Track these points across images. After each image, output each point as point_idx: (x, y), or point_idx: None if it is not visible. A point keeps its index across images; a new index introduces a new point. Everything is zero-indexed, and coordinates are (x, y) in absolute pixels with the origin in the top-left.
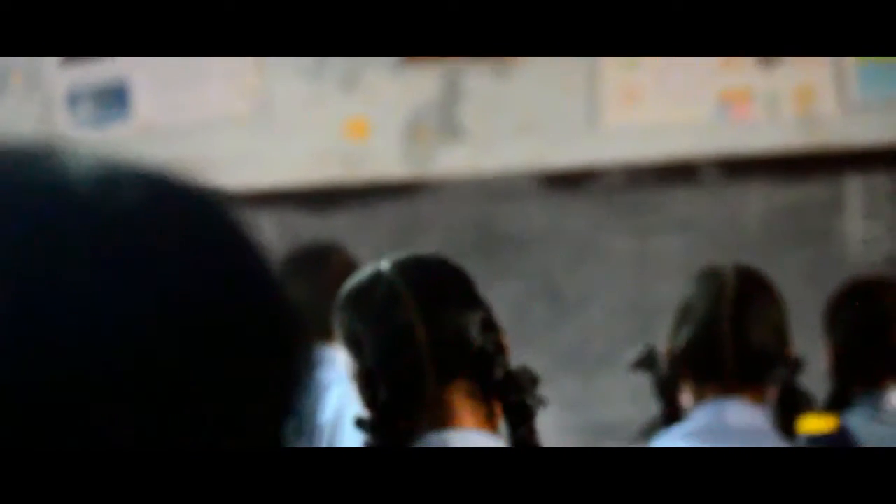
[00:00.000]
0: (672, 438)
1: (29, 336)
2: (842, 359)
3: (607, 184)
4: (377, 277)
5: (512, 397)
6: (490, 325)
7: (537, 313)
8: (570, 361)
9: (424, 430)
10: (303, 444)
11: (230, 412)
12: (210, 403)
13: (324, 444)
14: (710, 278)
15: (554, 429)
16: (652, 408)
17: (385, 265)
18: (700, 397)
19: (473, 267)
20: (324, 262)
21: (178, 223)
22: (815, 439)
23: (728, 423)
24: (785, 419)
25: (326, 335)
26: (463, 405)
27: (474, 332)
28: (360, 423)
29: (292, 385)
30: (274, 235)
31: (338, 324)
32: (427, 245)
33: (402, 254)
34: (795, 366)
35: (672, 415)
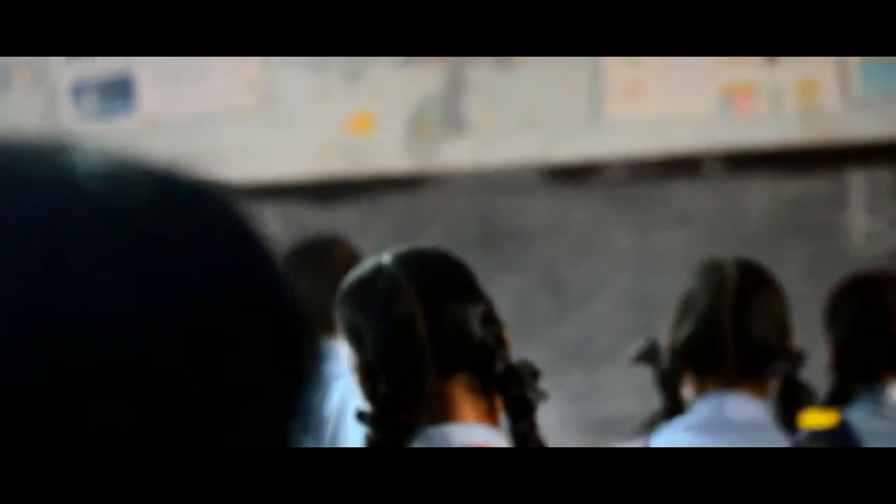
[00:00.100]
0: (673, 431)
1: (35, 334)
2: (843, 353)
3: (610, 178)
4: (378, 270)
5: (513, 391)
6: (491, 319)
7: (540, 307)
8: (572, 355)
9: (425, 424)
10: (308, 438)
11: (236, 410)
12: (216, 401)
13: (328, 437)
14: (712, 272)
15: (557, 422)
16: (655, 401)
17: (386, 258)
18: (701, 390)
19: (476, 260)
20: (327, 255)
21: (185, 220)
22: (816, 434)
23: (729, 416)
24: (786, 413)
25: (330, 328)
26: (464, 399)
27: (475, 325)
28: (360, 417)
29: (299, 382)
30: (278, 228)
31: (339, 317)
32: (430, 238)
33: (404, 247)
34: (796, 359)
35: (673, 408)
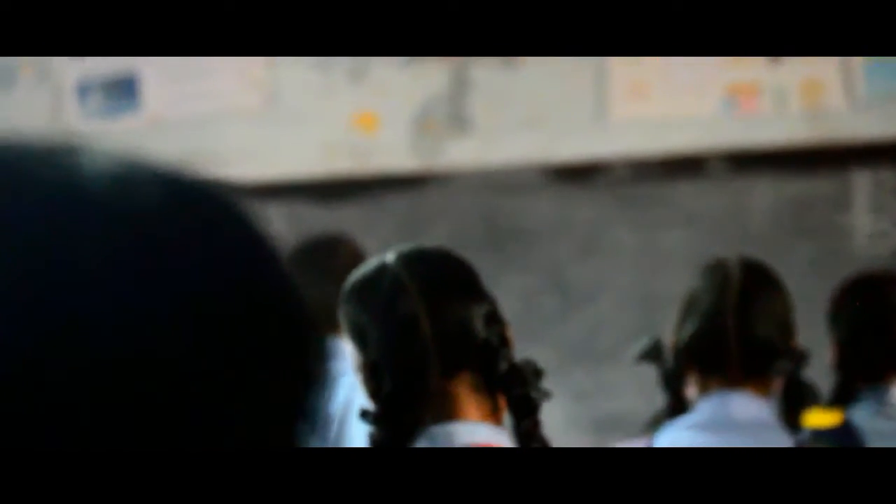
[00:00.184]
0: (676, 430)
1: (42, 335)
2: (846, 353)
3: (614, 177)
4: (382, 270)
5: (516, 390)
6: (494, 318)
7: (544, 306)
8: (577, 354)
9: (429, 423)
10: (314, 438)
11: (242, 410)
12: (222, 402)
13: (333, 435)
14: (715, 271)
15: (562, 420)
16: (659, 400)
17: (390, 257)
18: (704, 389)
19: (481, 260)
20: (331, 254)
21: (191, 222)
22: (820, 433)
23: (732, 415)
24: (790, 412)
25: (335, 327)
26: (467, 398)
27: (479, 324)
28: (364, 415)
29: (306, 383)
30: (283, 227)
31: (342, 316)
32: (435, 237)
33: (407, 246)
34: (800, 359)
35: (677, 407)
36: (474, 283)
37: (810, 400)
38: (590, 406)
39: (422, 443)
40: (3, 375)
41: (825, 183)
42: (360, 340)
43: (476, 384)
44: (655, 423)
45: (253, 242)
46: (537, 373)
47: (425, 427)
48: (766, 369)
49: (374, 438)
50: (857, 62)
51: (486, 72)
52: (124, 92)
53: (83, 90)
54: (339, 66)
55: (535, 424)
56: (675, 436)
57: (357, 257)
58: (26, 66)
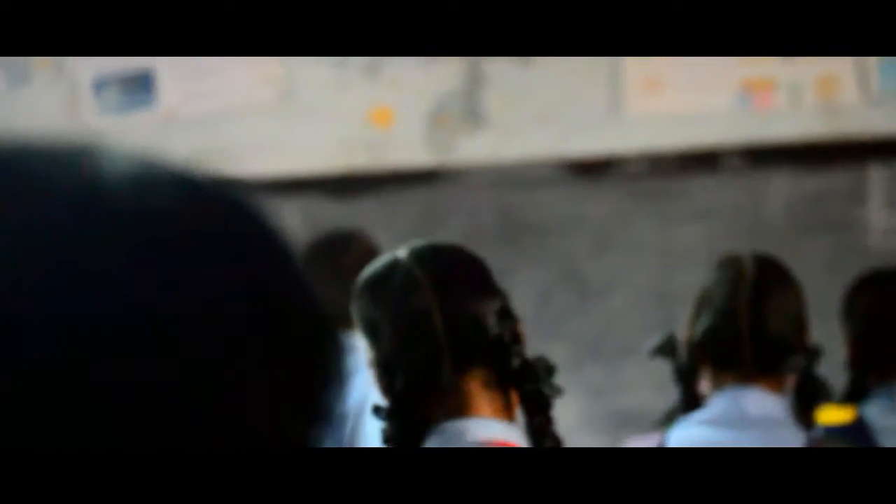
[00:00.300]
0: (689, 426)
1: (62, 337)
2: (859, 349)
3: (629, 172)
4: (394, 265)
5: (528, 386)
6: (507, 314)
7: (560, 301)
8: (592, 349)
9: (441, 419)
10: (331, 434)
11: (258, 410)
12: (238, 401)
13: (348, 431)
14: (729, 266)
15: (577, 415)
16: (675, 395)
17: (402, 253)
18: (718, 385)
19: (495, 255)
20: (345, 249)
21: (206, 222)
22: (833, 430)
23: (745, 411)
24: (802, 408)
25: (349, 323)
26: (480, 394)
27: (491, 320)
28: (377, 411)
29: (322, 382)
30: (298, 222)
31: (355, 312)
32: (449, 232)
33: (419, 242)
34: (813, 355)
35: (690, 402)
36: (486, 279)
37: (823, 396)
38: (604, 401)
39: (434, 438)
40: (24, 377)
41: (840, 178)
42: (373, 336)
43: (488, 380)
44: (669, 419)
45: (267, 241)
46: (549, 369)
47: (437, 423)
48: (780, 365)
49: (386, 434)
50: (872, 58)
51: (501, 67)
52: (140, 88)
53: (99, 86)
54: (354, 61)
55: (548, 421)
56: (688, 432)
57: (370, 253)
58: (42, 62)
